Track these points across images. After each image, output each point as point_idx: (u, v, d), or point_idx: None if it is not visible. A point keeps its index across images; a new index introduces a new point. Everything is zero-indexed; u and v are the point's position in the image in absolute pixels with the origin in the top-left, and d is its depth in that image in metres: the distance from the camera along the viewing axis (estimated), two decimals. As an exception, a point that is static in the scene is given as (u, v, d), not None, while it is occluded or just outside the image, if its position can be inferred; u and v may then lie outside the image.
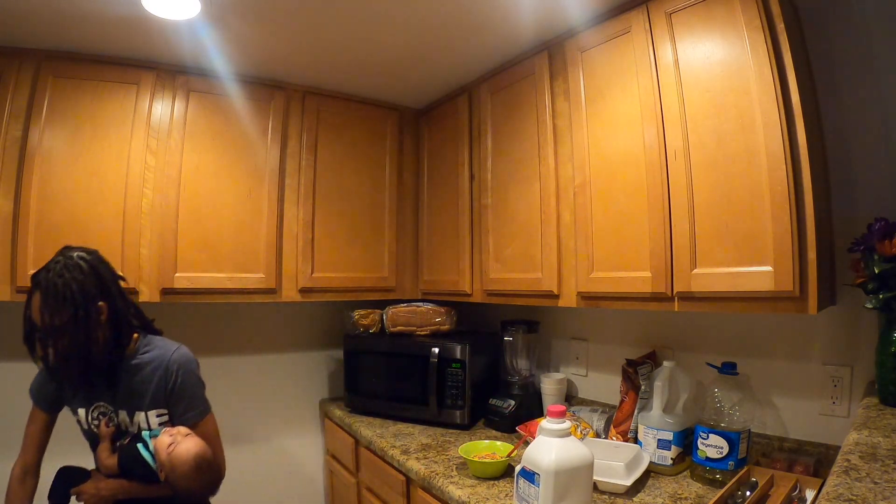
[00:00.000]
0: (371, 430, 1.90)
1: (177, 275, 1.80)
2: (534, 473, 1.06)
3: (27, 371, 1.86)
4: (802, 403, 1.33)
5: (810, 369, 1.32)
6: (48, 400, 1.30)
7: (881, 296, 1.04)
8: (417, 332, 2.11)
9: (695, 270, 1.23)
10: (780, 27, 1.12)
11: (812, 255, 1.06)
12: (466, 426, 1.90)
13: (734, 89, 1.17)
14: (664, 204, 1.29)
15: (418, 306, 2.14)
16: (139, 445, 1.21)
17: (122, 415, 1.27)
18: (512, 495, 1.26)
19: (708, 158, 1.22)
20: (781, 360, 1.38)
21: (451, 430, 1.87)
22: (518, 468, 1.12)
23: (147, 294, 1.76)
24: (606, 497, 1.26)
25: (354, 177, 2.21)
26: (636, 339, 1.73)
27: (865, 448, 0.76)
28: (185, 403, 1.27)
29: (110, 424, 1.26)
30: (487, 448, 1.54)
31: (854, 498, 0.60)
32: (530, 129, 1.72)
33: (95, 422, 1.28)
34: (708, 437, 1.29)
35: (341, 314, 2.30)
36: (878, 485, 0.62)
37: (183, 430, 1.22)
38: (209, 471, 1.20)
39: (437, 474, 1.45)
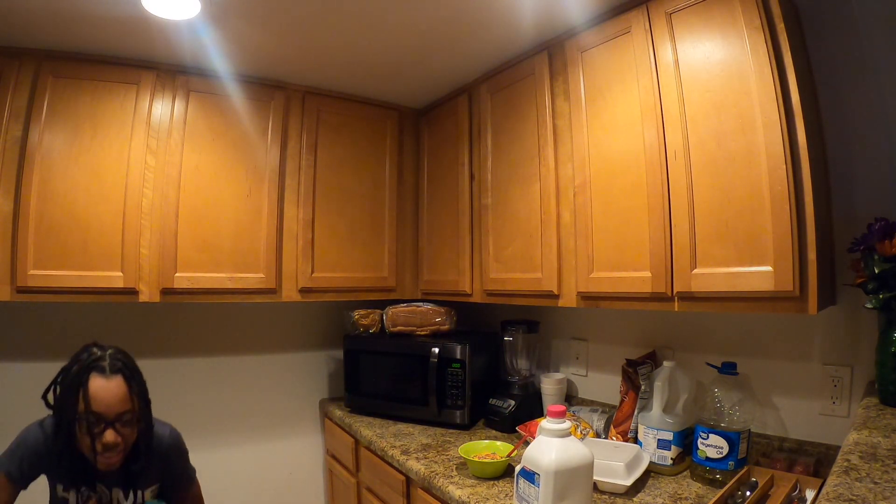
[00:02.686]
0: (371, 430, 1.90)
1: (177, 275, 1.80)
2: (534, 473, 1.06)
3: (27, 371, 1.87)
4: (802, 403, 1.33)
5: (810, 369, 1.32)
6: (30, 475, 1.22)
7: (881, 296, 1.04)
8: (417, 332, 2.11)
9: (695, 270, 1.23)
10: (781, 27, 1.12)
11: (812, 255, 1.06)
12: (466, 426, 1.90)
13: (734, 89, 1.17)
14: (664, 204, 1.29)
15: (418, 306, 2.14)
16: None
17: (117, 493, 1.28)
18: (512, 495, 1.26)
19: (708, 158, 1.22)
20: (781, 360, 1.38)
21: (451, 430, 1.87)
22: (518, 468, 1.12)
23: (147, 294, 1.76)
24: (606, 497, 1.26)
25: (354, 177, 2.21)
26: (636, 339, 1.73)
27: (865, 448, 0.76)
28: (179, 478, 1.40)
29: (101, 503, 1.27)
30: (487, 448, 1.54)
31: (854, 498, 0.60)
32: (530, 128, 1.72)
33: (84, 501, 1.25)
34: (708, 437, 1.29)
35: (341, 314, 2.30)
36: (878, 485, 0.62)
37: None
38: None
39: (437, 474, 1.45)
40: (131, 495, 1.30)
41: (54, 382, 1.20)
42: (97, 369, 1.16)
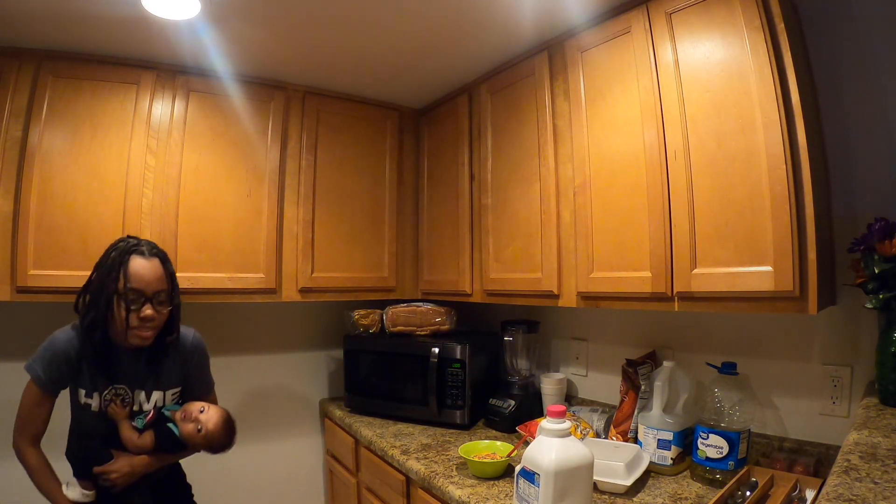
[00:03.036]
0: (371, 430, 1.90)
1: (177, 275, 1.79)
2: (534, 473, 1.06)
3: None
4: (802, 403, 1.33)
5: (810, 369, 1.32)
6: (60, 383, 1.29)
7: (881, 296, 1.04)
8: (417, 332, 2.11)
9: (695, 270, 1.23)
10: (780, 27, 1.12)
11: (812, 255, 1.06)
12: (466, 426, 1.90)
13: (734, 89, 1.17)
14: (664, 204, 1.29)
15: (418, 306, 2.14)
16: (171, 426, 1.34)
17: (140, 395, 1.34)
18: (512, 495, 1.26)
19: (708, 158, 1.22)
20: (781, 360, 1.38)
21: (451, 430, 1.87)
22: (518, 468, 1.12)
23: (147, 294, 1.76)
24: (606, 497, 1.26)
25: (354, 177, 2.21)
26: (636, 339, 1.73)
27: (865, 448, 0.76)
28: (201, 383, 1.49)
29: (125, 405, 1.32)
30: (487, 448, 1.54)
31: (854, 498, 0.60)
32: (530, 128, 1.72)
33: (107, 402, 1.29)
34: (708, 437, 1.29)
35: (341, 314, 2.30)
36: (878, 485, 0.62)
37: (198, 405, 1.39)
38: (233, 426, 1.43)
39: (437, 474, 1.45)
40: (154, 395, 1.35)
41: (87, 285, 1.28)
42: (137, 252, 1.27)
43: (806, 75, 1.21)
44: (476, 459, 1.43)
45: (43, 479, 1.25)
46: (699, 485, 1.31)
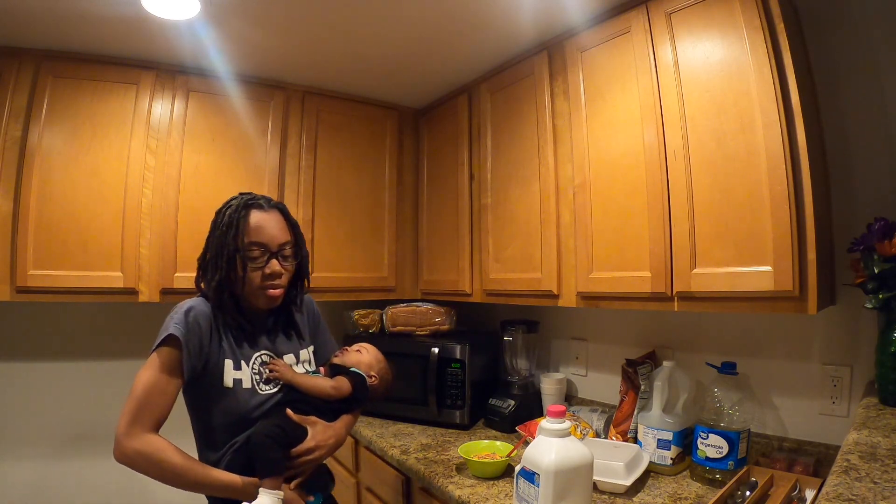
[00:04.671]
0: (371, 429, 1.90)
1: (176, 275, 1.79)
2: (534, 473, 1.06)
3: (27, 371, 1.87)
4: (802, 403, 1.33)
5: (810, 369, 1.32)
6: (199, 357, 1.06)
7: (881, 296, 1.04)
8: (417, 332, 2.11)
9: (694, 270, 1.23)
10: (780, 27, 1.12)
11: (812, 254, 1.06)
12: (466, 426, 1.90)
13: (734, 89, 1.17)
14: (664, 204, 1.29)
15: (418, 306, 2.14)
16: (353, 369, 1.25)
17: (288, 357, 1.21)
18: (512, 495, 1.26)
19: (708, 158, 1.22)
20: (781, 360, 1.38)
21: (450, 430, 1.87)
22: (518, 468, 1.12)
23: (147, 294, 1.76)
24: (606, 497, 1.26)
25: (354, 177, 2.21)
26: (636, 339, 1.73)
27: (865, 448, 0.76)
28: (327, 337, 1.39)
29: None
30: (487, 448, 1.54)
31: (854, 498, 0.60)
32: (530, 128, 1.72)
33: (257, 376, 1.13)
34: (708, 436, 1.29)
35: (341, 314, 2.30)
36: (877, 485, 0.62)
37: (353, 348, 1.33)
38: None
39: (436, 474, 1.45)
40: (301, 355, 1.24)
41: (204, 252, 1.17)
42: (255, 205, 1.16)
43: (806, 75, 1.21)
44: (476, 459, 1.43)
45: (186, 464, 0.99)
46: (699, 485, 1.31)
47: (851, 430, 0.87)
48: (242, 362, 1.12)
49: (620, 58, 1.43)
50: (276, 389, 1.15)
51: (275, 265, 1.13)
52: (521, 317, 2.06)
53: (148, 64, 1.81)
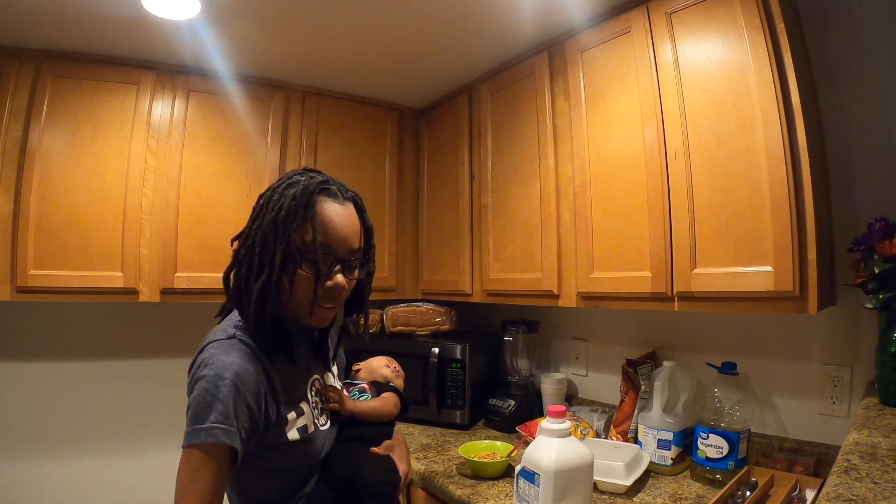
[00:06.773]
0: (371, 430, 1.90)
1: (177, 275, 1.79)
2: (534, 473, 1.06)
3: (27, 371, 1.87)
4: (802, 403, 1.33)
5: (810, 369, 1.32)
6: (255, 427, 0.79)
7: (881, 296, 1.04)
8: (417, 332, 2.11)
9: (695, 270, 1.23)
10: (781, 27, 1.12)
11: (812, 255, 1.06)
12: (466, 426, 1.90)
13: (734, 89, 1.17)
14: (664, 204, 1.29)
15: (418, 306, 2.14)
16: (389, 385, 1.17)
17: (329, 378, 1.02)
18: (512, 495, 1.26)
19: (708, 158, 1.22)
20: (781, 360, 1.38)
21: (451, 430, 1.87)
22: (518, 468, 1.12)
23: (147, 294, 1.76)
24: (606, 497, 1.26)
25: (354, 177, 2.20)
26: (636, 339, 1.73)
27: (865, 448, 0.76)
28: (340, 359, 1.16)
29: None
30: (487, 448, 1.54)
31: (854, 498, 0.60)
32: (530, 128, 1.72)
33: (315, 410, 0.92)
34: (708, 437, 1.29)
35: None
36: (878, 485, 0.62)
37: (381, 361, 1.24)
38: None
39: (437, 474, 1.45)
40: (335, 373, 1.06)
41: (243, 242, 0.88)
42: (328, 192, 0.85)
43: (806, 75, 1.21)
44: (476, 459, 1.43)
45: None
46: (699, 485, 1.31)
47: (852, 430, 0.87)
48: (303, 404, 0.89)
49: (621, 58, 1.43)
50: (329, 422, 0.96)
51: (339, 278, 0.86)
52: (521, 317, 2.06)
53: (148, 64, 1.80)
